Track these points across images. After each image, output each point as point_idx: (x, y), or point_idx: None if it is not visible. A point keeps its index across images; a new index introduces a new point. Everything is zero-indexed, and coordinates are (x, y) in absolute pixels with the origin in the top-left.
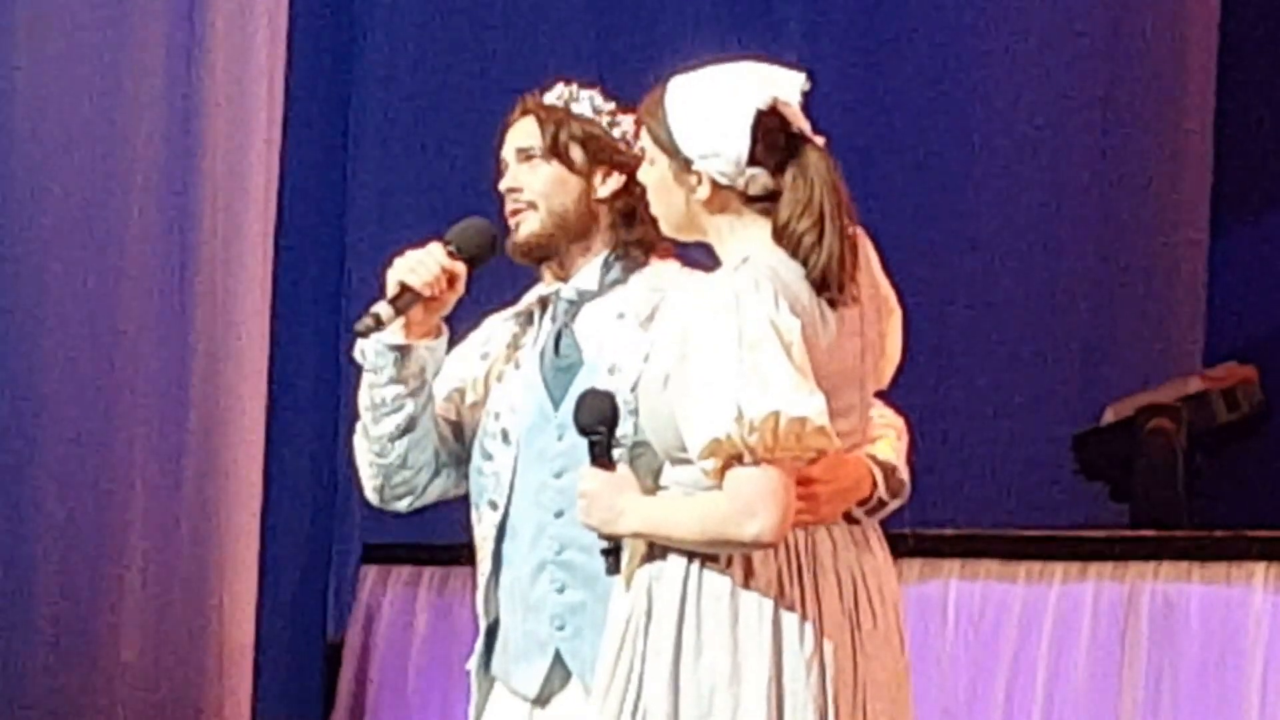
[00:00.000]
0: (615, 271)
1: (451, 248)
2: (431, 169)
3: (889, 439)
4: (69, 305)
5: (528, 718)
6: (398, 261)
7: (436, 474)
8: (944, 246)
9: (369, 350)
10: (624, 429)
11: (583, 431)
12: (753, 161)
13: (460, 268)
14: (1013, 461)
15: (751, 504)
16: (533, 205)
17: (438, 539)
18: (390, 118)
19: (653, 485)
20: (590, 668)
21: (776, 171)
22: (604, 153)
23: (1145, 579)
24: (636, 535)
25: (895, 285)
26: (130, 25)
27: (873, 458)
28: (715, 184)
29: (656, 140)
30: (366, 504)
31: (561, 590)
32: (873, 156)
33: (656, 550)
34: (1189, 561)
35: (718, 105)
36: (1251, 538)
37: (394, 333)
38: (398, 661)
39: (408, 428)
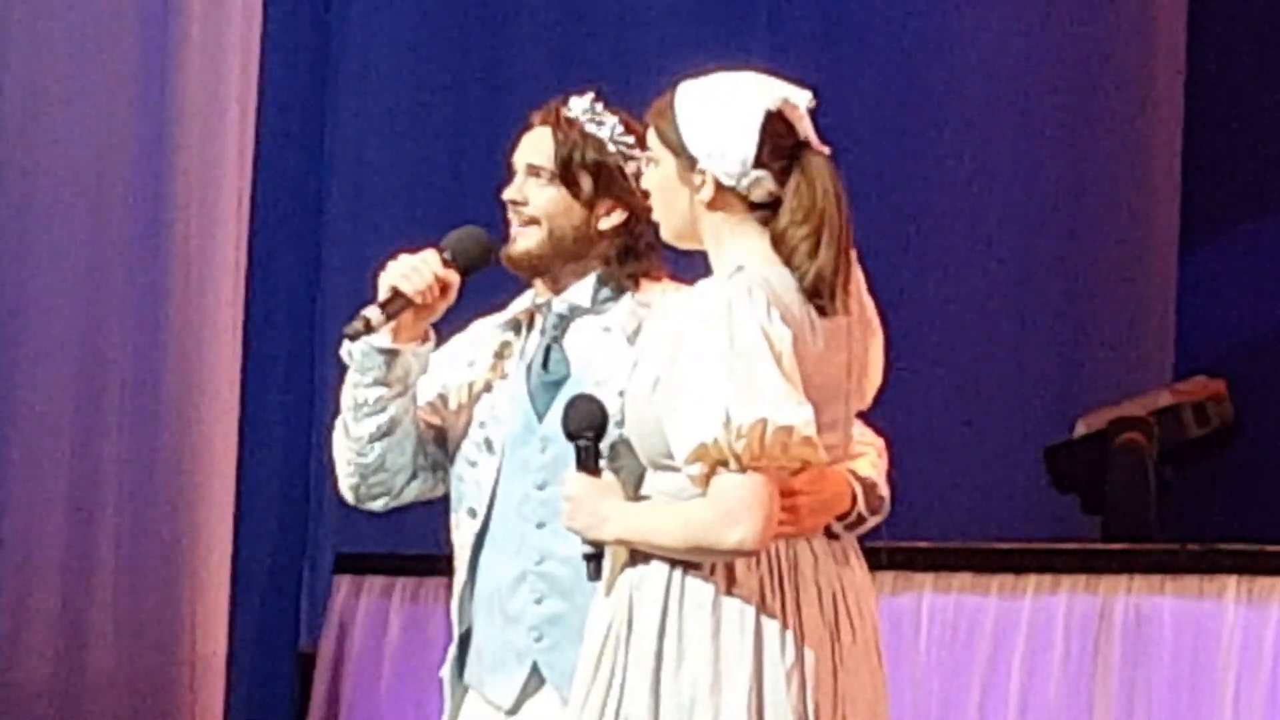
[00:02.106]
0: (608, 289)
1: (447, 255)
2: (408, 176)
3: (869, 456)
4: (42, 313)
5: None
6: (391, 265)
7: (414, 477)
8: (914, 260)
9: (356, 351)
10: (607, 441)
11: (570, 436)
12: (758, 164)
13: (454, 276)
14: (985, 474)
15: (734, 511)
16: (535, 221)
17: (411, 549)
18: (366, 124)
19: (634, 495)
20: (567, 679)
21: (780, 178)
22: (612, 187)
23: (1118, 592)
24: (619, 541)
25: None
26: (105, 34)
27: (853, 473)
28: (719, 185)
29: (664, 139)
30: (340, 513)
31: (540, 601)
32: (840, 168)
33: (639, 557)
34: (1161, 575)
35: (727, 105)
36: (1223, 551)
37: (382, 336)
38: (371, 671)
39: (388, 430)
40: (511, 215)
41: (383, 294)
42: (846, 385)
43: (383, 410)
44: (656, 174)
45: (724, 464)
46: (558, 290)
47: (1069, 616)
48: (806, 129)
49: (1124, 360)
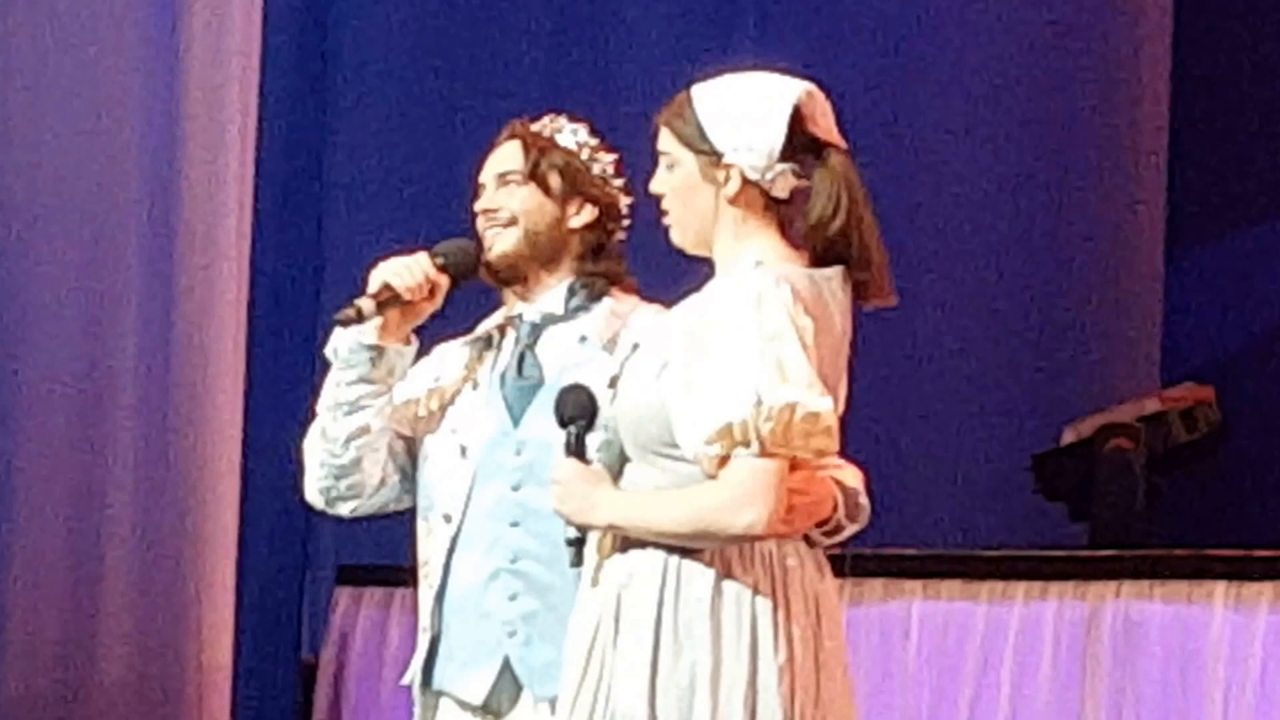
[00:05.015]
0: (580, 298)
1: (439, 260)
2: (405, 189)
3: (849, 468)
4: (47, 324)
5: None
6: (383, 264)
7: (383, 483)
8: (901, 266)
9: (342, 347)
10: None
11: (563, 423)
12: (784, 157)
13: (443, 280)
14: (974, 482)
15: (750, 494)
16: (512, 222)
17: (410, 561)
18: (364, 139)
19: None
20: (538, 677)
21: (801, 172)
22: (581, 184)
23: (1106, 598)
24: (611, 527)
25: (854, 306)
26: (107, 45)
27: (837, 480)
28: (744, 179)
29: (682, 138)
30: (340, 527)
31: (514, 598)
32: None
33: (630, 546)
34: (1149, 580)
35: (754, 98)
36: (1211, 556)
37: (368, 332)
38: (371, 681)
39: (365, 430)
40: (485, 225)
41: (373, 287)
42: (840, 390)
43: (363, 410)
44: (674, 175)
45: (745, 446)
46: (529, 298)
47: (1058, 622)
48: (829, 123)
49: (1111, 367)
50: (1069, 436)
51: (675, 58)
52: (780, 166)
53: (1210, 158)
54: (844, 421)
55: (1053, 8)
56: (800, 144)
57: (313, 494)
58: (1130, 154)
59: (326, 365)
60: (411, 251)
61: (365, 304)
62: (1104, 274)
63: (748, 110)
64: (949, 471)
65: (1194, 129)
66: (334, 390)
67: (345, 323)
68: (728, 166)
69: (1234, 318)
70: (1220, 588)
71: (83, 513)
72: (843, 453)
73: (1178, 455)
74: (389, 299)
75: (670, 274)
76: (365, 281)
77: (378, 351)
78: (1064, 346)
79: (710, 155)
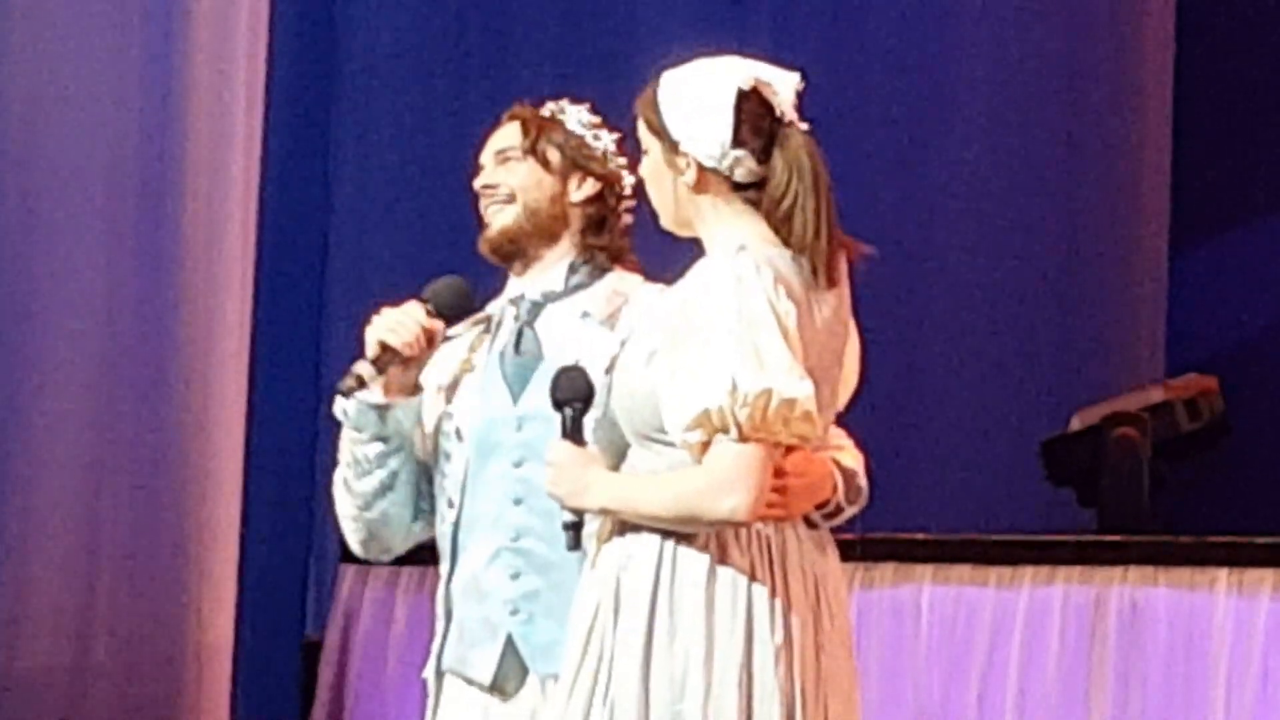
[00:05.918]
0: (580, 275)
1: (429, 306)
2: (411, 205)
3: (850, 450)
4: (52, 307)
5: (484, 712)
6: (376, 321)
7: (415, 519)
8: (913, 255)
9: (350, 409)
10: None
11: (558, 405)
12: (737, 144)
13: (438, 325)
14: (984, 468)
15: (730, 480)
16: (511, 198)
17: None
18: (369, 148)
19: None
20: (542, 655)
21: (761, 157)
22: (581, 159)
23: (1112, 583)
24: (603, 511)
25: (865, 294)
26: (109, 62)
27: (836, 462)
28: (701, 167)
29: (649, 126)
30: None
31: (516, 576)
32: (838, 158)
33: (627, 530)
34: (1155, 566)
35: (702, 88)
36: (1214, 543)
37: (374, 392)
38: (376, 660)
39: (390, 484)
40: (485, 202)
41: (371, 351)
42: (835, 372)
43: (384, 465)
44: (647, 163)
45: (724, 432)
46: (531, 277)
47: (1065, 607)
48: (785, 107)
49: (1118, 357)
50: (1077, 424)
51: (689, 52)
52: (735, 153)
53: (1215, 150)
54: (855, 406)
55: (1061, 5)
56: (754, 129)
57: (354, 546)
58: (1135, 146)
59: (333, 342)
60: (421, 257)
61: (365, 370)
62: (1111, 267)
63: (698, 99)
64: (960, 457)
65: (1199, 121)
66: (350, 448)
67: (348, 392)
68: (685, 155)
69: (1237, 310)
70: (1223, 574)
71: (82, 488)
72: (854, 437)
73: (1182, 444)
74: (388, 359)
75: (674, 257)
76: (375, 265)
77: (385, 409)
78: (1072, 336)
79: (670, 144)
